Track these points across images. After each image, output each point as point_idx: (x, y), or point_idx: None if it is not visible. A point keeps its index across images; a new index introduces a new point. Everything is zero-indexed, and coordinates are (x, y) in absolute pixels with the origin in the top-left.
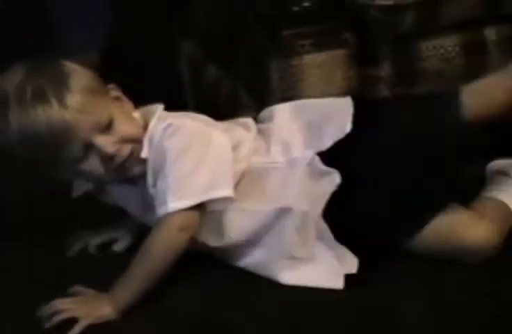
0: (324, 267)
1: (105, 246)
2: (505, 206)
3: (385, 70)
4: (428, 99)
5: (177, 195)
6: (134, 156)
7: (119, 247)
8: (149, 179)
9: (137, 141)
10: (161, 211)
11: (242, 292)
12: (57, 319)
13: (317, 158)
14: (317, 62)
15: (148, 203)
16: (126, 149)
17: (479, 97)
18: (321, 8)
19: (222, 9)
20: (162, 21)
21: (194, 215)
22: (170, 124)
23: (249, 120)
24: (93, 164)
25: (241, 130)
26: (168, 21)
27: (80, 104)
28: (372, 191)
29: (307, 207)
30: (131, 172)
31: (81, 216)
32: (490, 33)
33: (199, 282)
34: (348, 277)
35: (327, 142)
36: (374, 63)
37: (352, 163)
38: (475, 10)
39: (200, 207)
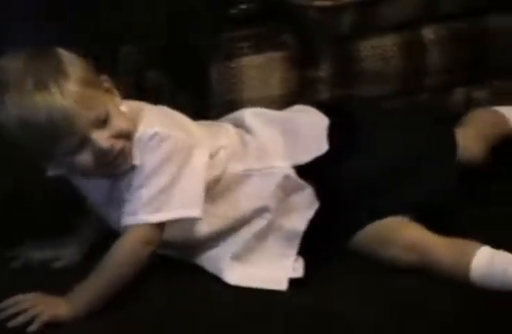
0: (270, 269)
1: (48, 261)
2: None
3: (324, 71)
4: (418, 123)
5: (148, 209)
6: (125, 153)
7: (58, 265)
8: (125, 180)
9: (128, 137)
10: (128, 220)
11: (188, 296)
12: (17, 321)
13: (293, 172)
14: (256, 65)
15: (113, 198)
16: (119, 144)
17: (473, 138)
18: (259, 10)
19: (162, 12)
20: (103, 23)
21: (159, 231)
22: (156, 134)
23: (228, 125)
24: (85, 158)
25: (223, 134)
26: (108, 24)
27: (78, 94)
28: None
29: (274, 216)
30: (119, 169)
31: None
32: (428, 33)
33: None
34: (293, 279)
35: (305, 158)
36: (313, 64)
37: (327, 180)
38: (413, 10)
39: (166, 224)
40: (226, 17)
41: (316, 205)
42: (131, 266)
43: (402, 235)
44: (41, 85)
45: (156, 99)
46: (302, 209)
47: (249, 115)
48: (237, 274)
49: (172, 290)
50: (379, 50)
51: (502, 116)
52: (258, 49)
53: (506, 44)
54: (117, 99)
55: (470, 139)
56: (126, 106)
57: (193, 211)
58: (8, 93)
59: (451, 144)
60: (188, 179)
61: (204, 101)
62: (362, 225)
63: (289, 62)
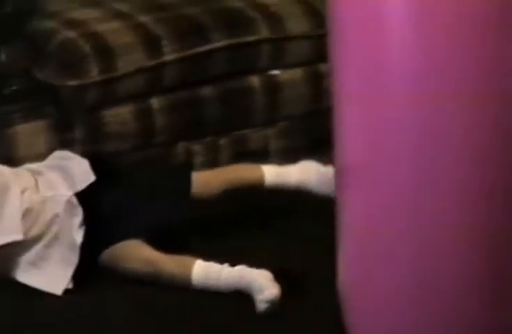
0: (53, 275)
1: None
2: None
3: (78, 133)
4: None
5: None
6: None
7: None
8: None
9: None
10: None
11: None
12: None
13: (74, 198)
14: (26, 131)
15: None
16: None
17: (204, 182)
18: (26, 89)
19: None
20: None
21: None
22: None
23: (24, 170)
24: None
25: (24, 176)
26: None
27: None
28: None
29: (59, 230)
30: None
31: None
32: (154, 102)
33: None
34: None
35: (81, 186)
36: (70, 129)
37: (99, 202)
38: (142, 86)
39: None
40: (1, 95)
41: (83, 226)
42: None
43: (139, 254)
44: None
45: None
46: (79, 228)
47: (33, 165)
48: (27, 274)
49: None
50: (119, 117)
51: (259, 172)
52: (27, 119)
53: (214, 109)
54: None
55: (208, 180)
56: None
57: (17, 236)
58: None
59: (186, 183)
60: (7, 211)
61: None
62: (107, 246)
63: (51, 128)
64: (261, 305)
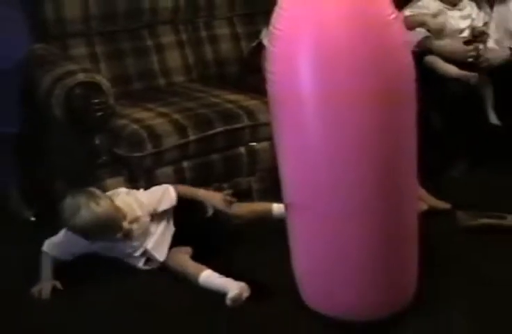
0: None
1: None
2: None
3: (141, 185)
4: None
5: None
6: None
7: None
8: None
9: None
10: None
11: None
12: None
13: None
14: (112, 184)
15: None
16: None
17: (243, 210)
18: (111, 159)
19: None
20: None
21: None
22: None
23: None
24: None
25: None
26: None
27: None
28: None
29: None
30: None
31: None
32: (185, 164)
33: None
34: None
35: (170, 205)
36: (137, 182)
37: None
38: (177, 155)
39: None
40: (97, 163)
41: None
42: None
43: (179, 257)
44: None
45: None
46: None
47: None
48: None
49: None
50: (165, 174)
51: (270, 207)
52: (112, 176)
53: (219, 167)
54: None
55: (244, 209)
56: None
57: (173, 198)
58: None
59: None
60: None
61: None
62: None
63: (126, 181)
64: (228, 301)
